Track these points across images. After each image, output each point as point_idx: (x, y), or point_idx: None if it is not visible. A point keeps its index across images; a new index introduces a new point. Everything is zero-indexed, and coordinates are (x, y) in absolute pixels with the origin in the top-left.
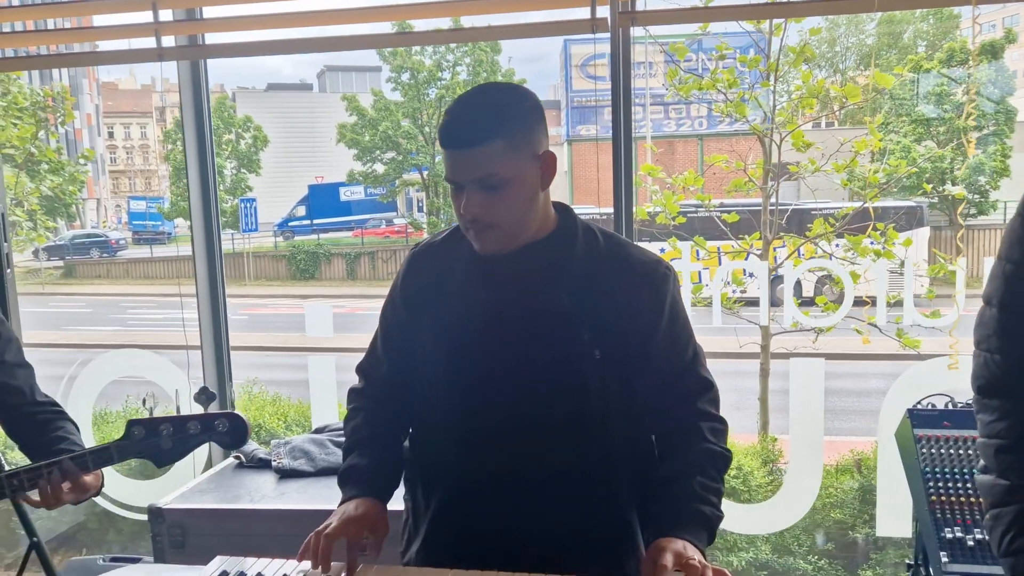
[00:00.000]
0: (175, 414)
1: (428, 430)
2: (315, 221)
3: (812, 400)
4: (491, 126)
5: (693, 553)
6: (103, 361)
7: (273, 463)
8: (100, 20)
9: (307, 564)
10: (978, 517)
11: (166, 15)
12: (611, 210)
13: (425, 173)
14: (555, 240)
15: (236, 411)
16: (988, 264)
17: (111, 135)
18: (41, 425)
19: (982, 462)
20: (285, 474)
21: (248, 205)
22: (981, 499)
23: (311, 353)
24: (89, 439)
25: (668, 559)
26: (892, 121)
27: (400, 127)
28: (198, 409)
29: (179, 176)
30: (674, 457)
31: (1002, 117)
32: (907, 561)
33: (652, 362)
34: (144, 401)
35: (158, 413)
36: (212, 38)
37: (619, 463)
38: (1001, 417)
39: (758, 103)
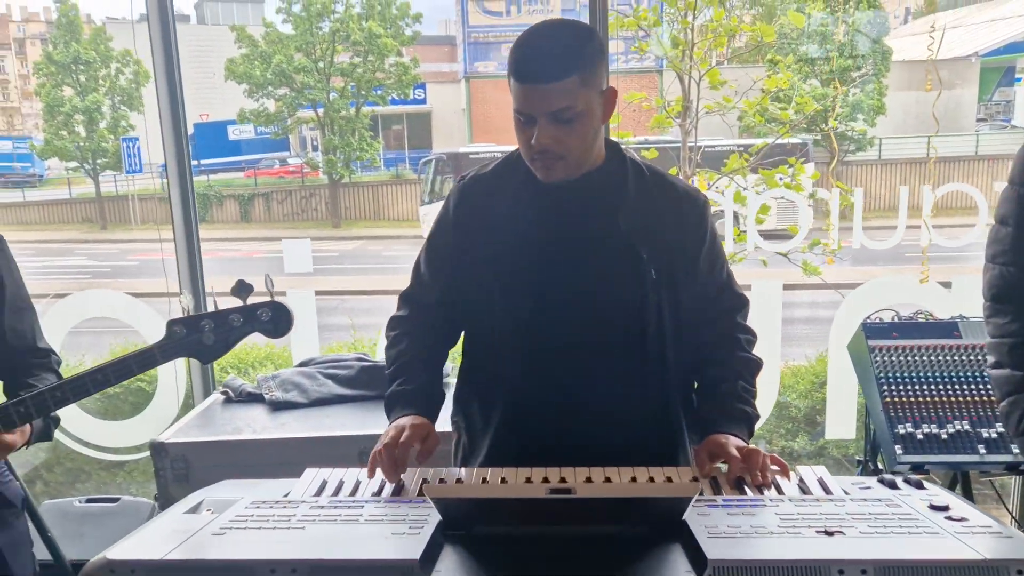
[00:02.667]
0: (215, 309)
1: (488, 350)
2: (203, 161)
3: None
4: (569, 63)
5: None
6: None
7: (265, 396)
8: None
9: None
10: (927, 414)
11: None
12: (512, 147)
13: (320, 110)
14: (608, 170)
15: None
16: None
17: None
18: (25, 371)
19: (992, 359)
20: (278, 406)
21: (131, 145)
22: (994, 391)
23: (290, 289)
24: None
25: (732, 450)
26: (779, 60)
27: (293, 61)
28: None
29: (52, 114)
30: (717, 365)
31: (879, 57)
32: (857, 458)
33: (696, 280)
34: (180, 300)
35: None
36: None
37: (670, 373)
38: (1015, 319)
39: (676, 40)
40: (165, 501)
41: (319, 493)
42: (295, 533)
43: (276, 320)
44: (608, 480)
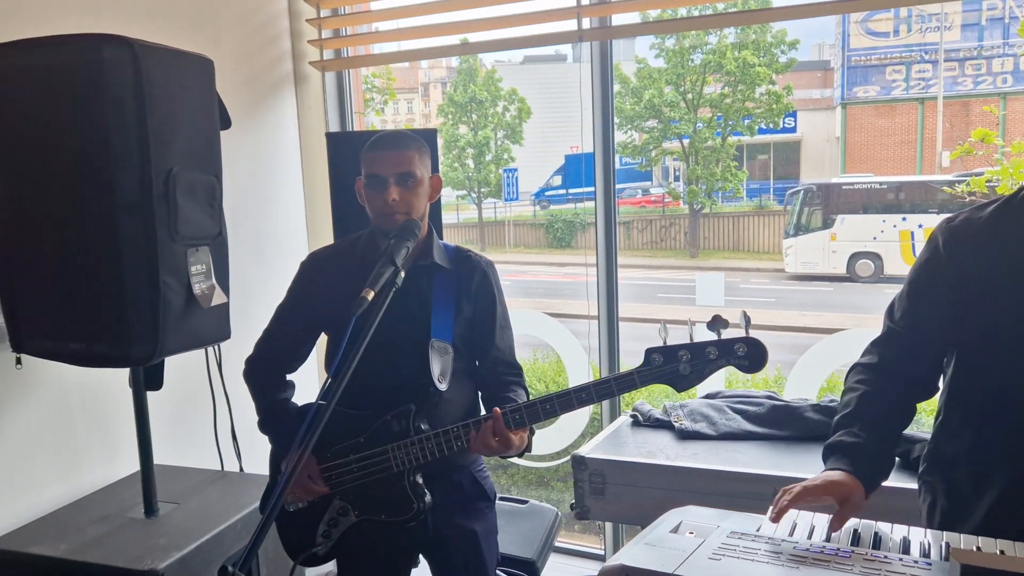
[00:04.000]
0: (690, 341)
1: (990, 410)
2: (570, 190)
3: None
4: None
5: None
6: None
7: (675, 424)
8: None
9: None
10: None
11: None
12: (892, 178)
13: (685, 141)
14: None
15: (753, 336)
16: None
17: (382, 111)
18: (503, 386)
19: None
20: (686, 435)
21: (510, 175)
22: None
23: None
24: None
25: None
26: None
27: (663, 94)
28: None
29: (449, 148)
30: None
31: None
32: None
33: None
34: (659, 331)
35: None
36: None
37: None
38: None
39: None
40: (582, 511)
41: (791, 532)
42: (790, 571)
43: (751, 356)
44: None
